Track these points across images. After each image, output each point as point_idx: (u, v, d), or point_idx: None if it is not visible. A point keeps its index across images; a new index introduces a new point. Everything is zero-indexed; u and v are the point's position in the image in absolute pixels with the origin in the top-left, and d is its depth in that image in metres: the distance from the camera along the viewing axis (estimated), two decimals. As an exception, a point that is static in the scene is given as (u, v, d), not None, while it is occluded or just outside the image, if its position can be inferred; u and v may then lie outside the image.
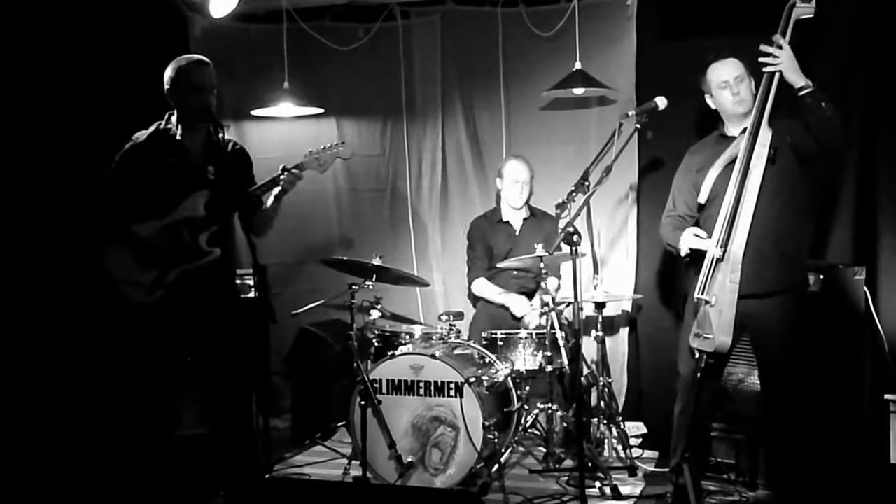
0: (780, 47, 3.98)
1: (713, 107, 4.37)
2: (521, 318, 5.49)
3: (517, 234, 5.79)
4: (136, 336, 4.33)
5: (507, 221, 5.84)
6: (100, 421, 5.04)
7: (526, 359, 5.15)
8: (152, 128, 4.39)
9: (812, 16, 4.03)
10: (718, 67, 4.29)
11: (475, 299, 5.95)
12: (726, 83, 4.24)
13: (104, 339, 4.95)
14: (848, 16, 5.09)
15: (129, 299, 4.25)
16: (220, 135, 4.20)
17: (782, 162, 4.08)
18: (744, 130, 4.18)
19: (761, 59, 4.02)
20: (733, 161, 4.09)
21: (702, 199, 4.24)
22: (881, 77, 4.96)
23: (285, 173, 4.30)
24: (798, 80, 3.98)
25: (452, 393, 4.72)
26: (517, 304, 5.56)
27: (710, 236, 4.12)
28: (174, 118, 4.36)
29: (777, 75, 4.00)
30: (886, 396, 4.64)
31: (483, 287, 5.78)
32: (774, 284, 4.12)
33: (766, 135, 4.01)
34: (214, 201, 4.28)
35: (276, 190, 4.34)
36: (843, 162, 5.04)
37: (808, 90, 3.97)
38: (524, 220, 5.83)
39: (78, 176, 4.65)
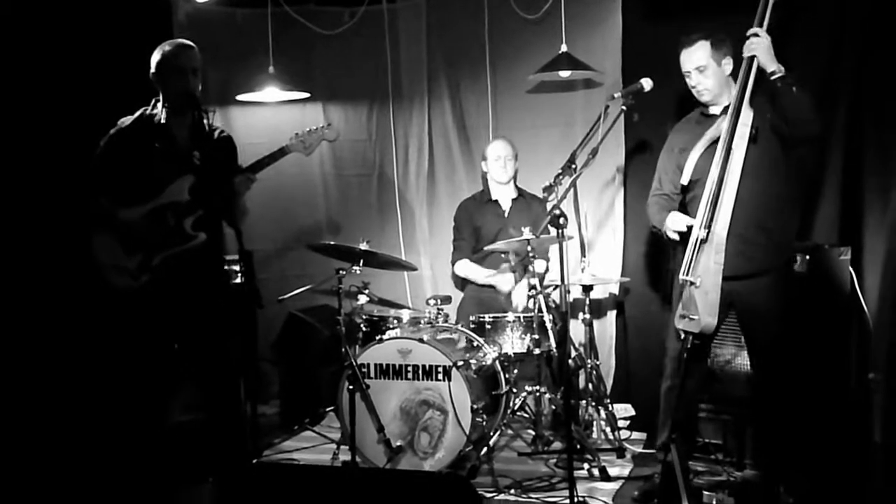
0: (757, 34, 4.00)
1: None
2: (509, 293, 5.48)
3: (506, 214, 5.79)
4: (123, 322, 4.32)
5: (496, 200, 5.84)
6: (89, 408, 5.02)
7: (514, 342, 5.16)
8: (137, 113, 4.38)
9: None
10: (682, 55, 4.32)
11: (460, 282, 5.95)
12: (688, 73, 4.30)
13: (92, 326, 4.93)
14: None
15: (115, 284, 4.25)
16: (206, 120, 4.18)
17: (765, 142, 4.10)
18: (725, 109, 4.20)
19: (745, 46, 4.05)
20: (715, 142, 4.11)
21: (684, 180, 4.28)
22: (868, 57, 4.96)
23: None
24: (770, 64, 4.00)
25: (441, 377, 4.73)
26: (502, 280, 5.55)
27: (694, 216, 4.14)
28: (159, 104, 4.35)
29: (756, 58, 4.02)
30: (871, 375, 4.66)
31: (467, 268, 5.78)
32: (760, 265, 4.14)
33: (747, 115, 4.03)
34: (200, 186, 4.27)
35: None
36: (828, 142, 5.05)
37: (779, 75, 3.98)
38: (513, 200, 5.83)
39: (63, 162, 4.63)
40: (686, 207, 4.39)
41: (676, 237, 4.28)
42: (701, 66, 4.25)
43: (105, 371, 4.87)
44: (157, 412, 4.53)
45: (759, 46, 4.00)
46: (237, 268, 5.11)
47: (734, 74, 4.20)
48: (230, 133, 4.61)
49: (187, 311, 4.32)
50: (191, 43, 4.36)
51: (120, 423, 4.54)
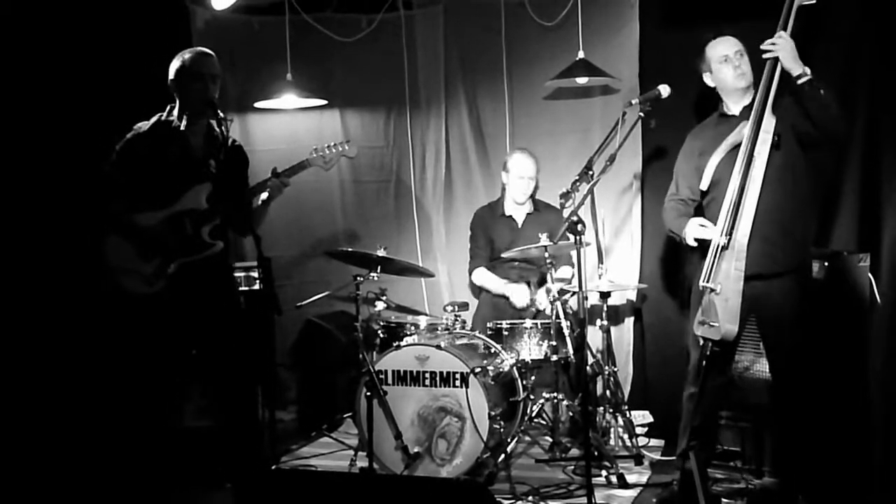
0: (781, 37, 4.00)
1: (712, 84, 4.39)
2: (523, 308, 5.48)
3: (520, 227, 5.78)
4: (140, 327, 4.33)
5: (510, 216, 5.82)
6: (106, 413, 5.04)
7: (531, 348, 5.15)
8: (154, 119, 4.39)
9: (814, 2, 4.05)
10: (718, 43, 4.32)
11: (476, 290, 5.95)
12: (726, 57, 4.28)
13: (109, 331, 4.95)
14: (854, 2, 5.08)
15: (130, 289, 4.26)
16: (223, 127, 4.19)
17: (786, 147, 4.09)
18: (744, 109, 4.22)
19: (763, 47, 4.04)
20: (736, 147, 4.10)
21: (703, 185, 4.27)
22: (887, 64, 4.94)
23: (272, 179, 4.33)
24: (796, 67, 3.99)
25: (458, 383, 4.73)
26: (517, 293, 5.55)
27: (713, 221, 4.14)
28: (175, 110, 4.37)
29: (779, 63, 4.01)
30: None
31: (483, 277, 5.78)
32: (779, 265, 4.13)
33: (769, 122, 4.02)
34: (217, 194, 4.29)
35: (264, 195, 4.37)
36: (847, 148, 5.03)
37: (806, 78, 3.98)
38: (527, 214, 5.81)
39: (81, 167, 4.65)
40: (703, 211, 4.38)
41: (695, 243, 4.27)
42: (739, 49, 4.27)
43: (124, 376, 4.88)
44: (170, 416, 4.54)
45: (783, 49, 3.99)
46: (256, 274, 5.13)
47: (755, 79, 4.19)
48: (244, 141, 4.64)
49: (203, 319, 4.33)
50: (210, 51, 4.39)
51: (139, 428, 4.54)
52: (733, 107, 4.33)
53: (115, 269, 4.29)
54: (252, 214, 4.36)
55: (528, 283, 5.61)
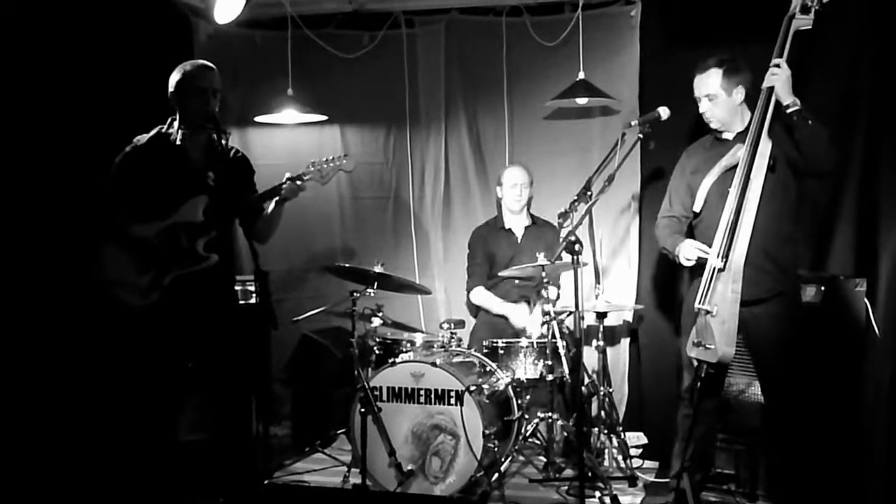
0: (778, 66, 4.03)
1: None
2: (522, 329, 5.48)
3: (519, 241, 5.80)
4: (135, 339, 4.33)
5: (509, 229, 5.85)
6: (100, 426, 5.02)
7: (527, 368, 5.15)
8: (154, 131, 4.40)
9: (811, 27, 4.09)
10: (696, 81, 4.35)
11: (474, 308, 5.95)
12: (697, 97, 4.33)
13: (105, 343, 4.94)
14: (851, 27, 5.11)
15: (123, 301, 4.26)
16: (224, 140, 4.20)
17: (779, 170, 4.12)
18: (738, 135, 4.25)
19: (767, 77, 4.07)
20: (730, 169, 4.14)
21: (697, 206, 4.29)
22: (884, 88, 4.96)
23: (287, 182, 4.32)
24: (786, 97, 4.03)
25: (453, 401, 4.72)
26: (516, 314, 5.56)
27: (706, 243, 4.15)
28: (175, 123, 4.38)
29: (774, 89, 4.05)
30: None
31: (482, 297, 5.78)
32: (768, 290, 4.15)
33: (766, 145, 4.05)
34: (213, 207, 4.29)
35: (277, 198, 4.37)
36: (844, 173, 5.05)
37: (795, 108, 4.01)
38: (526, 227, 5.84)
39: (81, 179, 4.65)
40: (694, 231, 4.40)
41: (688, 263, 4.28)
42: (710, 94, 4.28)
43: (118, 389, 4.87)
44: (169, 431, 4.53)
45: (779, 79, 4.02)
46: (253, 288, 5.12)
47: (752, 101, 4.21)
48: (246, 153, 4.64)
49: (197, 332, 4.32)
50: (211, 64, 4.40)
51: (133, 441, 4.53)
52: (725, 133, 4.37)
53: (111, 280, 4.29)
54: (269, 219, 4.38)
55: (529, 302, 5.62)
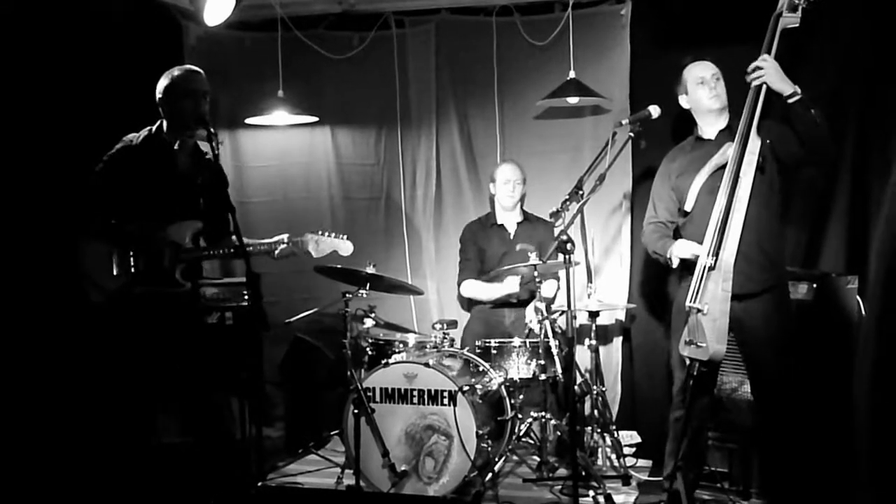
0: (765, 60, 4.04)
1: (687, 106, 4.48)
2: (516, 293, 5.46)
3: (511, 237, 5.80)
4: (94, 335, 4.32)
5: (502, 225, 5.85)
6: (87, 430, 4.99)
7: (520, 367, 5.15)
8: (144, 132, 4.39)
9: (798, 25, 4.11)
10: (695, 66, 4.40)
11: (467, 304, 5.95)
12: (703, 79, 4.35)
13: (87, 347, 4.92)
14: (843, 23, 5.11)
15: (89, 295, 4.27)
16: (214, 144, 4.18)
17: (767, 168, 4.14)
18: (720, 133, 4.31)
19: (748, 75, 4.09)
20: (720, 168, 4.15)
21: (688, 206, 4.30)
22: (876, 85, 4.97)
23: (280, 247, 4.41)
24: (786, 87, 4.04)
25: (446, 401, 4.72)
26: (509, 285, 5.56)
27: (696, 242, 4.16)
28: (164, 127, 4.37)
29: (763, 86, 4.05)
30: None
31: (471, 287, 5.78)
32: (760, 283, 4.16)
33: (755, 143, 4.06)
34: (204, 235, 4.31)
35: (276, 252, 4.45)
36: (836, 170, 5.06)
37: (797, 97, 4.02)
38: (518, 223, 5.84)
39: (69, 180, 4.63)
40: (682, 232, 4.41)
41: (677, 262, 4.29)
42: (715, 73, 4.35)
43: (105, 392, 4.83)
44: (157, 434, 4.52)
45: (768, 74, 4.03)
46: (244, 290, 5.10)
47: (735, 103, 4.24)
48: (235, 157, 4.64)
49: (158, 344, 4.29)
50: (198, 68, 4.39)
51: (121, 445, 4.51)
52: (708, 130, 4.40)
53: (83, 273, 4.28)
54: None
55: (522, 303, 5.62)
